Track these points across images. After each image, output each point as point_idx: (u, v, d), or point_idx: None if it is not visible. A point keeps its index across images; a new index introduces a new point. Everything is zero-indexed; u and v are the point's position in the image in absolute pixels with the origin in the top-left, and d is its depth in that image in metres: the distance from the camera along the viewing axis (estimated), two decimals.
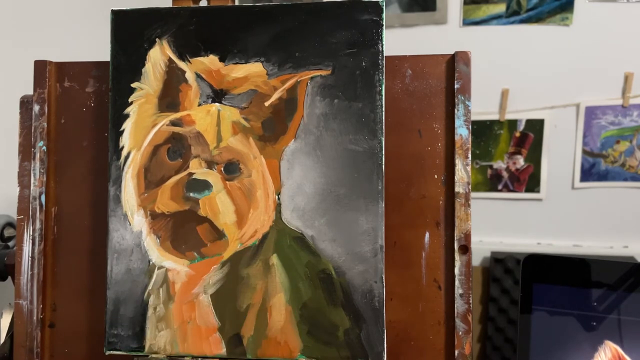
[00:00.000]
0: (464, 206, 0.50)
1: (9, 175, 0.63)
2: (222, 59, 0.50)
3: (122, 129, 0.50)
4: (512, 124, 1.59)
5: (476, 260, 1.60)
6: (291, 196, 0.49)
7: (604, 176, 1.57)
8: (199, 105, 0.50)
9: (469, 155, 0.50)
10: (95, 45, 0.77)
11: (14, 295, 0.53)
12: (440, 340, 0.50)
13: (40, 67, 0.54)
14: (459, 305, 0.50)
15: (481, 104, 1.58)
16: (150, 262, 0.49)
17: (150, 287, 0.49)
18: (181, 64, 0.50)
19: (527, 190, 1.61)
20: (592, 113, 1.55)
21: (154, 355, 0.48)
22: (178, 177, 0.49)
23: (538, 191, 1.61)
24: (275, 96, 0.49)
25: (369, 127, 0.48)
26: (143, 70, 0.50)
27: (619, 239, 1.58)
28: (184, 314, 0.48)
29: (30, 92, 0.54)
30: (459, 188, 0.50)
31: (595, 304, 0.53)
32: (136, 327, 0.49)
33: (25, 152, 0.54)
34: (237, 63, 0.50)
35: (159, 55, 0.50)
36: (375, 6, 0.49)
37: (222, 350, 0.48)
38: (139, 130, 0.50)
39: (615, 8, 1.51)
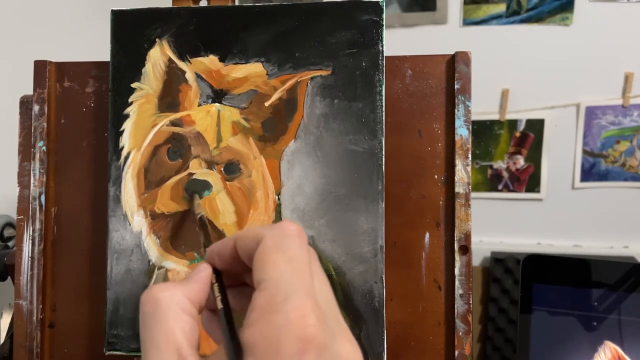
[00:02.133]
0: (464, 206, 0.50)
1: (9, 175, 0.63)
2: (222, 59, 0.50)
3: (122, 129, 0.50)
4: (512, 124, 1.59)
5: (476, 260, 1.60)
6: (291, 196, 0.49)
7: (604, 176, 1.57)
8: (199, 105, 0.50)
9: (469, 156, 0.50)
10: (95, 45, 0.77)
11: (14, 296, 0.53)
12: (441, 341, 0.50)
13: (40, 67, 0.54)
14: (459, 306, 0.50)
15: (481, 104, 1.58)
16: (150, 263, 0.49)
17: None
18: (181, 64, 0.50)
19: (527, 190, 1.61)
20: (592, 113, 1.55)
21: None
22: (178, 178, 0.49)
23: (538, 191, 1.61)
24: (275, 96, 0.49)
25: (369, 127, 0.48)
26: (143, 70, 0.50)
27: (619, 239, 1.58)
28: None
29: (30, 92, 0.54)
30: (459, 188, 0.50)
31: (595, 304, 0.53)
32: (136, 327, 0.49)
33: (25, 152, 0.54)
34: (237, 63, 0.50)
35: (159, 55, 0.50)
36: (375, 6, 0.49)
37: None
38: (139, 130, 0.50)
39: (615, 8, 1.51)
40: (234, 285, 0.30)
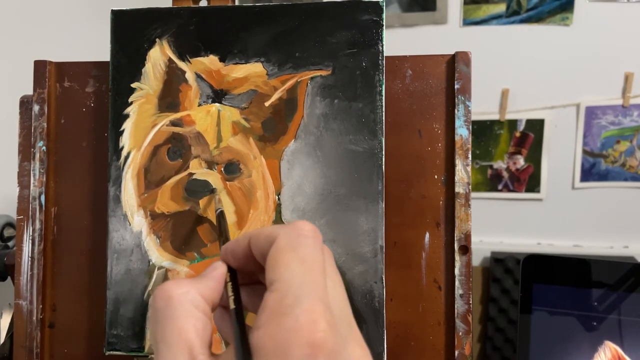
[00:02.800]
0: (464, 206, 0.50)
1: (9, 175, 0.63)
2: (222, 59, 0.50)
3: (122, 129, 0.50)
4: (512, 124, 1.59)
5: (476, 260, 1.60)
6: (291, 196, 0.49)
7: (604, 176, 1.57)
8: (199, 105, 0.50)
9: (469, 156, 0.50)
10: (95, 45, 0.77)
11: (14, 296, 0.53)
12: (441, 341, 0.50)
13: (40, 67, 0.54)
14: (459, 306, 0.50)
15: (481, 104, 1.58)
16: (150, 263, 0.49)
17: (150, 288, 0.49)
18: (181, 64, 0.50)
19: (527, 190, 1.61)
20: (592, 113, 1.55)
21: (153, 356, 0.48)
22: (178, 178, 0.49)
23: (538, 191, 1.61)
24: (275, 96, 0.49)
25: (369, 127, 0.48)
26: (143, 70, 0.50)
27: (619, 239, 1.58)
28: None
29: (30, 92, 0.54)
30: (459, 188, 0.50)
31: (595, 304, 0.53)
32: (136, 327, 0.49)
33: (25, 152, 0.54)
34: (237, 63, 0.50)
35: (159, 55, 0.50)
36: (375, 6, 0.49)
37: (222, 350, 0.48)
38: (139, 130, 0.50)
39: (615, 8, 1.51)
40: (248, 284, 0.30)
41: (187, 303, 0.25)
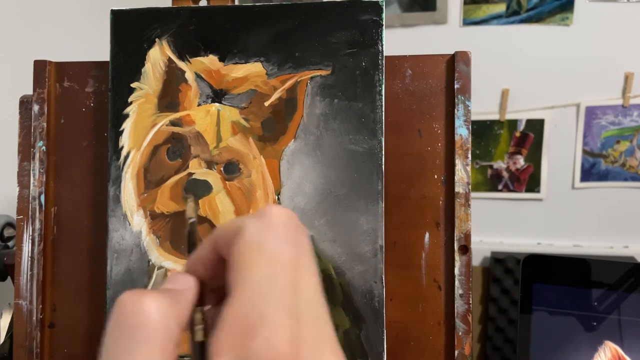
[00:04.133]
0: (464, 206, 0.50)
1: (8, 175, 0.63)
2: (221, 59, 0.50)
3: (121, 129, 0.50)
4: (512, 124, 1.59)
5: (476, 260, 1.60)
6: (291, 196, 0.49)
7: (604, 176, 1.57)
8: (199, 105, 0.50)
9: (469, 155, 0.50)
10: (95, 45, 0.77)
11: (14, 296, 0.53)
12: (440, 341, 0.50)
13: (40, 67, 0.54)
14: (459, 306, 0.50)
15: (481, 104, 1.58)
16: (150, 262, 0.49)
17: (149, 287, 0.49)
18: (181, 64, 0.50)
19: (527, 190, 1.61)
20: (592, 113, 1.55)
21: None
22: (178, 177, 0.49)
23: (538, 191, 1.60)
24: (275, 96, 0.49)
25: (368, 127, 0.48)
26: (143, 70, 0.50)
27: (619, 239, 1.58)
28: None
29: (30, 92, 0.54)
30: (459, 188, 0.50)
31: (595, 304, 0.53)
32: None
33: (25, 152, 0.54)
34: (236, 63, 0.50)
35: (158, 55, 0.50)
36: (375, 6, 0.49)
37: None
38: (139, 130, 0.50)
39: (615, 8, 1.51)
40: (219, 302, 0.26)
41: (162, 331, 0.21)
